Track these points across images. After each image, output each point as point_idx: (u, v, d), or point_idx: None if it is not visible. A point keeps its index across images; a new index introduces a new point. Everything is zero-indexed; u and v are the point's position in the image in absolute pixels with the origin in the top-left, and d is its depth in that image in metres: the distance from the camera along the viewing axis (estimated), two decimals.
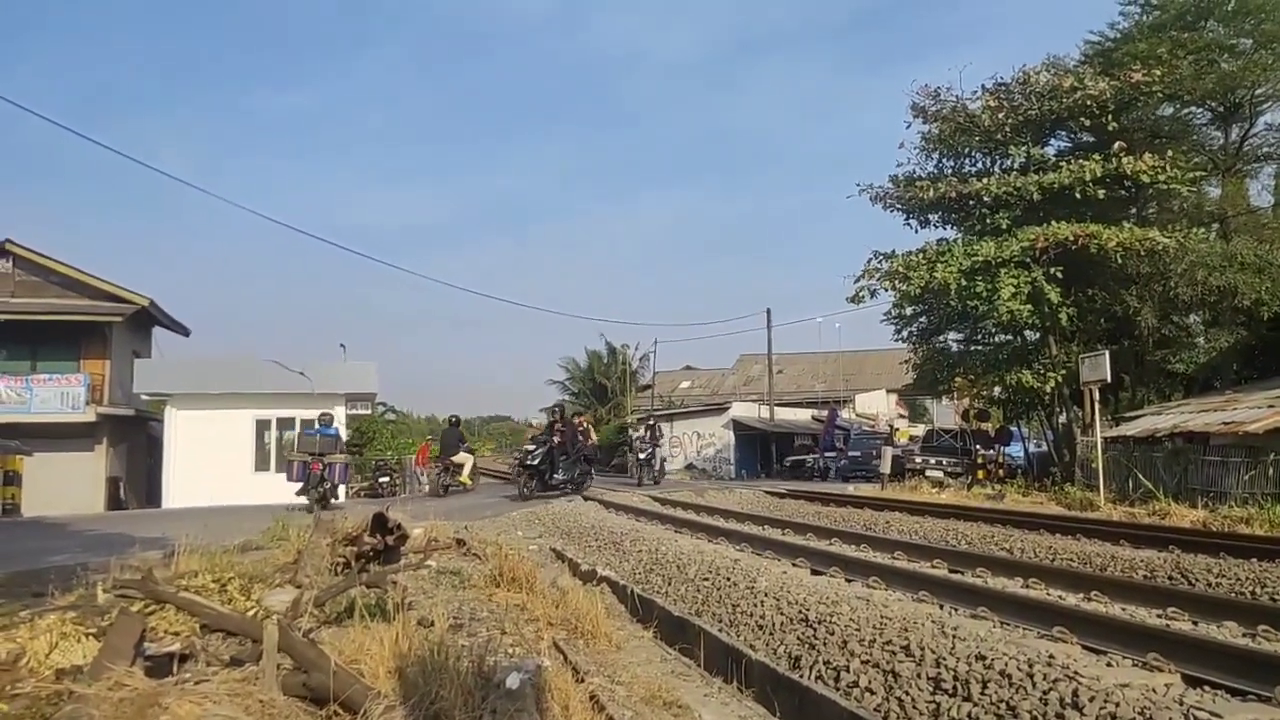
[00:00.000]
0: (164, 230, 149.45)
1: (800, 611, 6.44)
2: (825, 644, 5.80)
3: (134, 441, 27.52)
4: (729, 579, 7.82)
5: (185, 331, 31.70)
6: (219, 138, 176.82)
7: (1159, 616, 6.38)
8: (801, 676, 5.38)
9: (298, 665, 4.55)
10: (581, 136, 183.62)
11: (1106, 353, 18.33)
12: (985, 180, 22.00)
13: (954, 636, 5.29)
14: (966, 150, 23.77)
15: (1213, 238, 22.82)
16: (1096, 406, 18.32)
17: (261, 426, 24.26)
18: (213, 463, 22.85)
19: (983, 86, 22.74)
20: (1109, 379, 18.23)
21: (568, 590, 7.27)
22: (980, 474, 22.78)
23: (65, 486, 23.33)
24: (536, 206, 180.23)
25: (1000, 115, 21.95)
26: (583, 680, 4.96)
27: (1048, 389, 21.49)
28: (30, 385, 24.23)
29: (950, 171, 23.90)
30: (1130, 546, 10.49)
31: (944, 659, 5.01)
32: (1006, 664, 4.73)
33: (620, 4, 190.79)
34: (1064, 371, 20.98)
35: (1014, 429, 26.94)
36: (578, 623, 6.42)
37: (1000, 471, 22.95)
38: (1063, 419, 23.66)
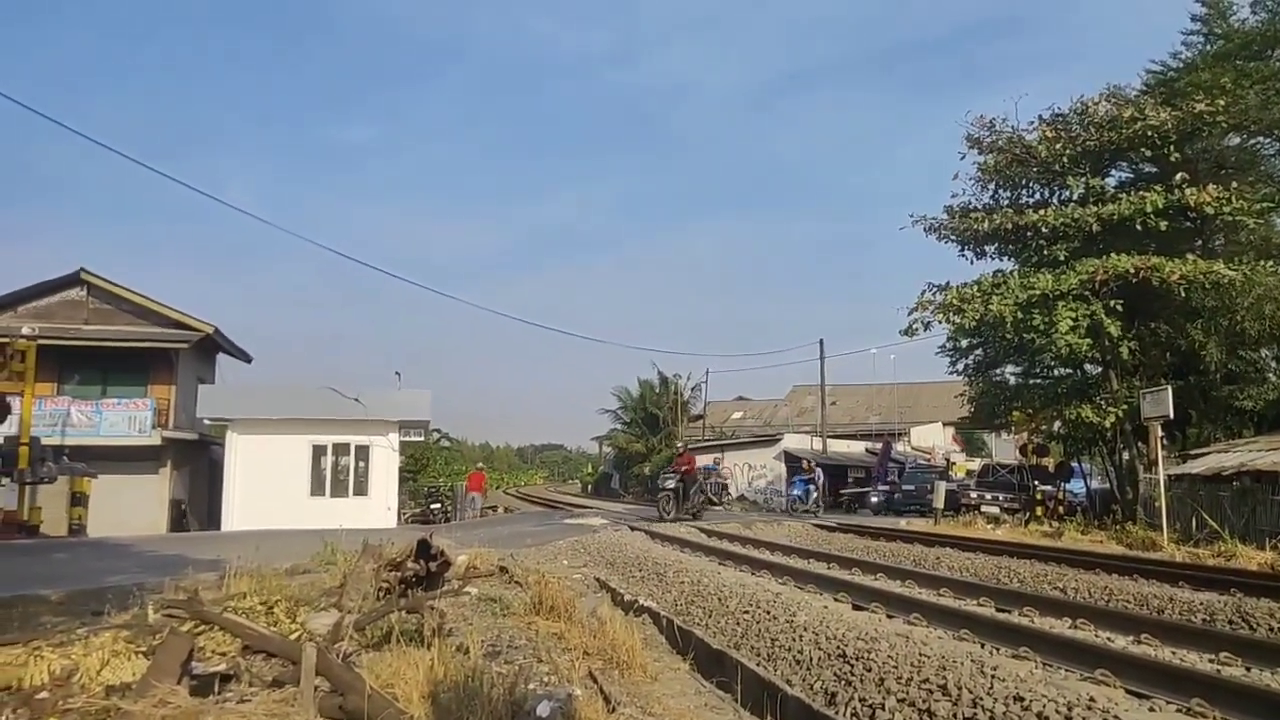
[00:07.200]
0: (230, 260, 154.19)
1: (838, 647, 6.37)
2: (862, 680, 5.73)
3: (197, 465, 28.29)
4: (769, 612, 7.77)
5: (248, 358, 32.62)
6: (286, 173, 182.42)
7: (1210, 661, 6.18)
8: (836, 713, 5.33)
9: (335, 688, 4.66)
10: (634, 168, 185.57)
11: (1168, 388, 17.80)
12: (1042, 212, 21.64)
13: (993, 676, 5.19)
14: (1023, 181, 23.45)
15: None
16: (1159, 443, 17.80)
17: (318, 452, 24.78)
18: (271, 486, 23.39)
19: (1039, 117, 22.50)
20: (1171, 415, 17.68)
21: (606, 620, 7.28)
22: (1039, 510, 22.22)
23: (130, 508, 24.05)
24: (591, 237, 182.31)
25: (1058, 146, 21.64)
26: (614, 710, 4.98)
27: (1108, 424, 20.93)
28: (100, 409, 25.09)
29: (1006, 203, 23.58)
30: (1190, 589, 10.15)
31: (981, 699, 4.92)
32: (1044, 706, 4.63)
33: (670, 38, 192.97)
34: (1125, 407, 20.41)
35: (1075, 465, 26.27)
36: (614, 653, 6.43)
37: (1060, 509, 22.36)
38: (1125, 455, 23.00)
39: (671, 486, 22.57)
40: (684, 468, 23.21)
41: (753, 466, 39.04)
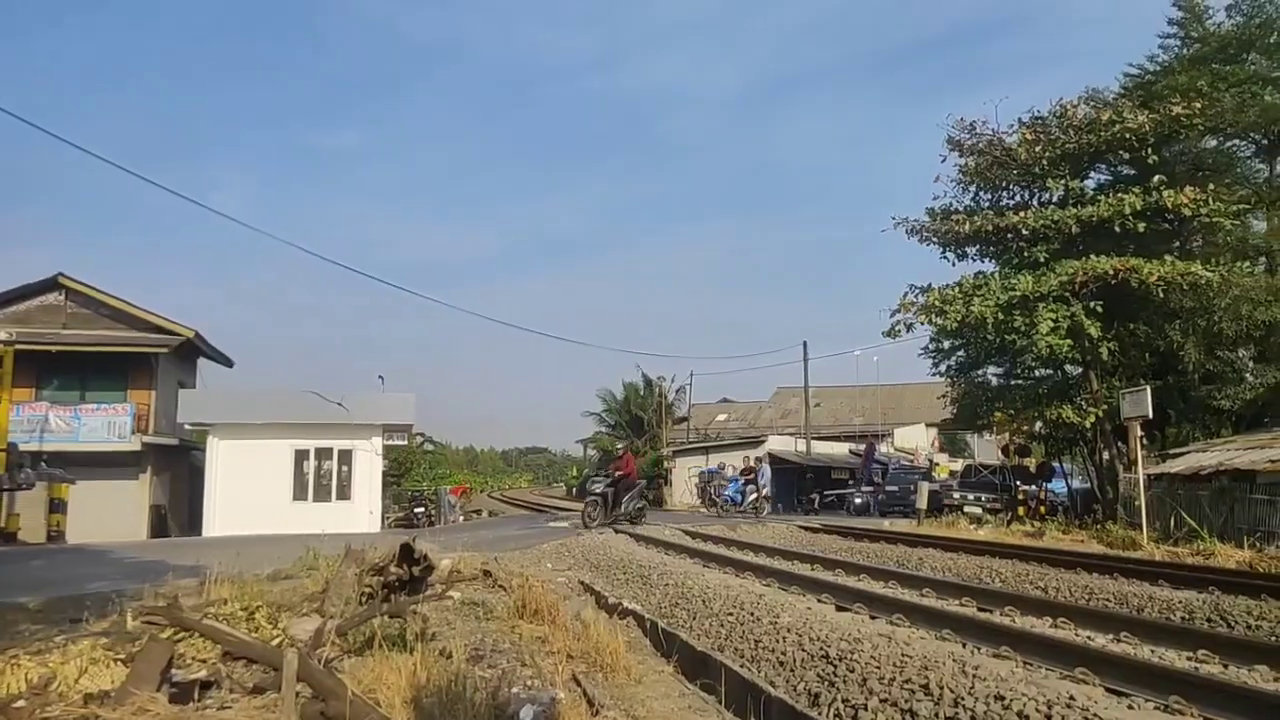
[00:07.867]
0: (212, 265, 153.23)
1: (821, 648, 6.39)
2: (845, 681, 5.75)
3: (177, 470, 28.06)
4: (753, 614, 7.78)
5: (229, 363, 32.42)
6: (271, 178, 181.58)
7: (1189, 659, 6.24)
8: (819, 714, 5.34)
9: (316, 694, 4.63)
10: (624, 173, 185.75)
11: (1147, 388, 17.97)
12: (1023, 214, 21.82)
13: (974, 676, 5.22)
14: (1003, 183, 23.59)
15: (1258, 271, 22.35)
16: (1139, 442, 17.96)
17: (300, 456, 24.64)
18: (252, 492, 23.25)
19: (1019, 120, 22.68)
20: (1151, 415, 17.85)
21: (590, 623, 7.27)
22: (1020, 510, 22.37)
23: (110, 514, 23.83)
24: (580, 241, 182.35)
25: (1037, 149, 21.82)
26: (598, 713, 4.98)
27: (1088, 424, 21.11)
28: (79, 415, 24.87)
29: (987, 205, 23.75)
30: (1169, 587, 10.23)
31: (962, 699, 4.94)
32: (1025, 705, 4.66)
33: (661, 43, 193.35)
34: (1105, 407, 20.59)
35: (1056, 465, 26.47)
36: (598, 656, 6.43)
37: (1042, 509, 22.51)
38: (1106, 455, 23.18)
39: (599, 491, 20.44)
40: (619, 471, 21.40)
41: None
